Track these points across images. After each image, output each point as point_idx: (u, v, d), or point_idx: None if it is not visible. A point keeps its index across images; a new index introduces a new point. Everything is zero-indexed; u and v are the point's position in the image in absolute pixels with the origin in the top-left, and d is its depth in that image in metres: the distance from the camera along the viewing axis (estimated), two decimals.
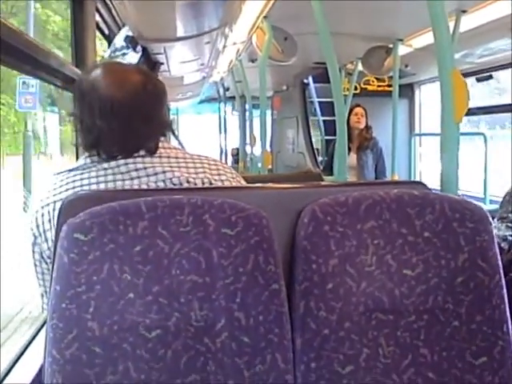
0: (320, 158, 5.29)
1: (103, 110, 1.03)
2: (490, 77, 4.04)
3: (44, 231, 1.04)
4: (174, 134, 1.27)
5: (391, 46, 3.83)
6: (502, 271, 0.95)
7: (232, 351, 0.87)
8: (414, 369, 0.92)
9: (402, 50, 3.81)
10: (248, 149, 6.06)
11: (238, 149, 7.37)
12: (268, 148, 4.67)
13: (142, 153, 1.05)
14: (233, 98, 7.02)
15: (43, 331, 0.98)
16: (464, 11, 2.88)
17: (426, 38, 3.29)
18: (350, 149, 4.07)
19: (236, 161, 7.36)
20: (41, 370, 0.90)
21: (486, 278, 0.94)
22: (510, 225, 1.79)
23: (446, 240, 0.94)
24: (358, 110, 4.19)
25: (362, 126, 4.18)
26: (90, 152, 1.06)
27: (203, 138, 9.12)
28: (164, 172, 1.04)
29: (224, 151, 8.20)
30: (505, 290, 0.95)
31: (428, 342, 0.93)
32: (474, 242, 0.94)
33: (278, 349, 0.88)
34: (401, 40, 3.70)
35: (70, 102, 1.19)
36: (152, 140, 1.06)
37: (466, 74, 4.00)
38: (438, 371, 0.93)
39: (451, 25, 2.79)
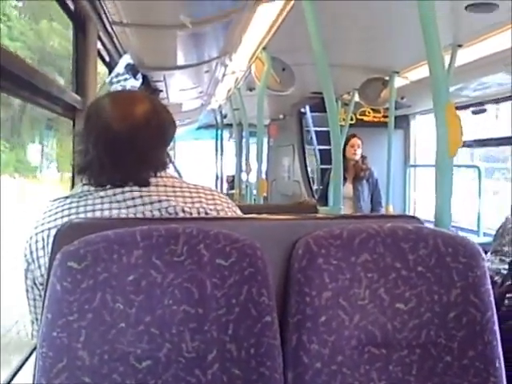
0: (315, 187, 5.31)
1: (98, 140, 1.03)
2: (485, 110, 4.09)
3: (37, 258, 1.04)
4: (170, 160, 1.27)
5: (387, 78, 3.89)
6: (494, 307, 0.96)
7: (223, 383, 0.86)
8: None
9: (399, 82, 3.87)
10: (244, 176, 6.09)
11: (233, 176, 7.39)
12: (263, 176, 4.69)
13: (130, 186, 1.04)
14: (230, 125, 7.08)
15: (32, 358, 0.96)
16: (460, 45, 2.94)
17: (422, 71, 3.35)
18: (345, 179, 4.09)
19: (231, 187, 7.38)
20: None
21: (478, 314, 0.94)
22: (503, 258, 1.80)
23: (438, 275, 0.94)
24: (354, 141, 4.21)
25: (358, 157, 4.22)
26: (81, 175, 1.06)
27: (200, 164, 9.15)
28: (160, 201, 1.05)
29: (220, 178, 8.23)
30: (497, 326, 0.95)
31: (420, 377, 0.92)
32: (467, 277, 0.94)
33: (269, 382, 0.88)
34: (397, 72, 3.76)
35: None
36: (142, 176, 1.05)
37: (461, 107, 4.06)
38: None
39: (447, 58, 2.84)
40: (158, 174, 1.07)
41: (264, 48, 3.13)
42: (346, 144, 4.17)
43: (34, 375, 0.85)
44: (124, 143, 1.02)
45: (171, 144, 1.15)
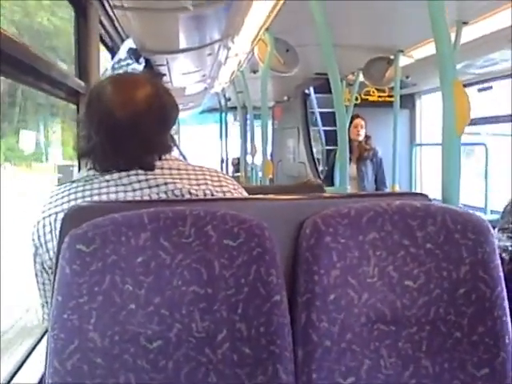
0: (321, 168, 5.31)
1: (100, 125, 1.03)
2: (491, 87, 4.05)
3: (45, 242, 1.04)
4: (175, 143, 1.27)
5: (392, 57, 3.85)
6: (503, 283, 0.95)
7: (233, 362, 0.87)
8: (416, 380, 0.92)
9: (403, 60, 3.83)
10: (249, 158, 6.08)
11: (238, 158, 7.39)
12: (269, 158, 4.69)
13: (133, 171, 1.04)
14: (234, 108, 7.07)
15: (44, 341, 0.97)
16: (465, 23, 2.90)
17: (427, 49, 3.31)
18: (349, 159, 4.07)
19: (237, 170, 7.39)
20: (41, 381, 0.89)
21: (487, 290, 0.94)
22: (511, 235, 1.79)
23: (447, 251, 0.94)
24: (357, 121, 4.19)
25: (362, 137, 4.19)
26: (85, 160, 1.06)
27: (204, 148, 9.15)
28: (166, 184, 1.05)
29: (225, 161, 8.23)
30: (506, 302, 0.95)
31: (430, 354, 0.93)
32: (476, 253, 0.94)
33: (279, 360, 0.88)
34: (402, 51, 3.72)
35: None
36: (147, 161, 1.04)
37: (468, 85, 4.02)
38: (439, 382, 0.92)
39: (452, 36, 2.80)
40: (163, 157, 1.07)
41: (267, 29, 3.10)
42: (349, 125, 4.15)
43: (47, 357, 0.86)
44: (126, 129, 1.02)
45: (175, 128, 1.14)
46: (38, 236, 1.05)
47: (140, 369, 0.85)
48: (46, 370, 0.86)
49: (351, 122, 4.16)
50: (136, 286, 0.86)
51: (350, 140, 4.09)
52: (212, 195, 1.07)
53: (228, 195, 1.09)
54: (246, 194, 1.14)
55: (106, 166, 1.04)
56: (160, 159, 1.06)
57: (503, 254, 1.69)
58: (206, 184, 1.07)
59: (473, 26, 2.93)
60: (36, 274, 1.09)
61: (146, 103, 1.04)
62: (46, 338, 0.89)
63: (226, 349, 0.87)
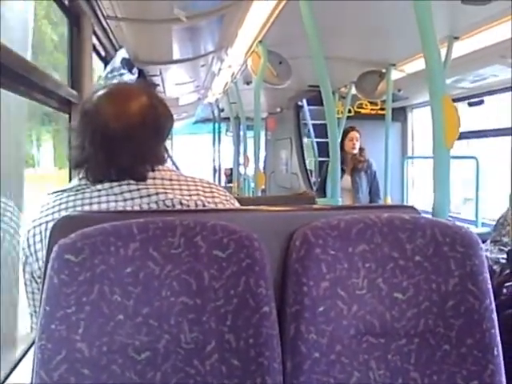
0: (313, 179, 5.32)
1: (94, 136, 1.02)
2: (482, 102, 4.09)
3: (35, 251, 1.04)
4: (167, 154, 1.27)
5: (384, 70, 3.88)
6: (492, 295, 0.96)
7: (222, 374, 0.86)
8: None
9: (395, 74, 3.86)
10: (242, 169, 6.09)
11: (231, 169, 7.40)
12: (261, 169, 4.69)
13: (125, 181, 1.03)
14: (227, 118, 7.08)
15: (31, 351, 0.96)
16: (456, 38, 2.94)
17: (419, 64, 3.35)
18: (343, 171, 4.10)
19: (229, 181, 7.39)
20: None
21: (476, 302, 0.94)
22: (502, 248, 1.80)
23: (436, 264, 0.94)
24: (352, 134, 4.21)
25: (356, 150, 4.22)
26: (77, 170, 1.06)
27: (197, 158, 9.15)
28: (157, 194, 1.04)
29: (218, 171, 8.23)
30: (495, 314, 0.95)
31: (419, 366, 0.93)
32: (465, 266, 0.95)
33: (268, 372, 0.88)
34: (393, 65, 3.76)
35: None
36: (139, 172, 1.04)
37: (458, 99, 4.06)
38: None
39: (443, 51, 2.84)
40: (156, 168, 1.07)
41: (260, 41, 3.12)
42: (344, 137, 4.18)
43: (33, 367, 0.85)
44: (120, 141, 1.02)
45: (169, 138, 1.14)
46: (28, 245, 1.05)
47: (128, 380, 0.84)
48: (32, 380, 0.85)
49: (347, 135, 4.19)
50: (124, 296, 0.85)
51: (345, 152, 4.12)
52: (204, 206, 1.07)
53: (220, 206, 1.09)
54: (238, 205, 1.14)
55: (98, 176, 1.04)
56: (153, 170, 1.06)
57: (494, 267, 1.70)
58: (198, 195, 1.07)
59: (464, 42, 2.96)
60: (25, 284, 1.08)
61: (140, 114, 1.04)
62: (33, 347, 0.88)
63: (214, 360, 0.86)
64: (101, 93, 1.07)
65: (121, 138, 1.02)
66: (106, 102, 1.05)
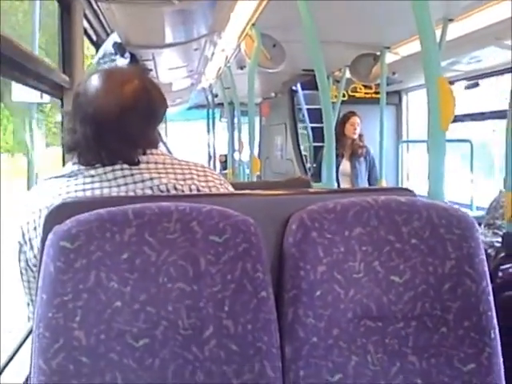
0: (308, 165, 5.31)
1: (84, 118, 1.02)
2: (477, 84, 4.08)
3: (30, 239, 1.03)
4: (161, 140, 1.26)
5: (378, 53, 3.86)
6: (488, 277, 0.96)
7: (220, 359, 0.86)
8: (403, 376, 0.92)
9: (390, 57, 3.84)
10: (236, 155, 6.07)
11: (226, 155, 7.37)
12: (256, 154, 4.68)
13: (118, 165, 1.03)
14: (221, 104, 7.04)
15: (29, 340, 0.96)
16: (451, 20, 2.92)
17: (413, 46, 3.33)
18: (342, 156, 4.10)
19: (224, 167, 7.37)
20: (27, 380, 0.88)
21: (473, 285, 0.94)
22: (496, 231, 1.81)
23: (433, 247, 0.94)
24: (354, 119, 4.19)
25: (357, 135, 4.22)
26: (70, 154, 1.05)
27: (192, 145, 9.11)
28: (151, 179, 1.04)
29: (213, 157, 8.21)
30: (492, 297, 0.95)
31: (416, 349, 0.93)
32: (461, 248, 0.95)
33: (266, 357, 0.88)
34: (388, 48, 3.74)
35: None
36: (131, 155, 1.03)
37: (453, 82, 4.05)
38: (426, 378, 0.93)
39: (438, 33, 2.82)
40: (149, 152, 1.06)
41: (253, 24, 3.09)
42: (345, 122, 4.17)
43: (32, 356, 0.85)
44: (111, 124, 1.01)
45: (163, 124, 1.14)
46: (23, 233, 1.04)
47: (126, 367, 0.84)
48: (31, 369, 0.85)
49: (348, 120, 4.18)
50: (121, 283, 0.85)
51: (346, 137, 4.12)
52: (198, 190, 1.06)
53: (214, 190, 1.08)
54: (232, 190, 1.14)
55: (89, 159, 1.03)
56: (145, 154, 1.05)
57: (489, 250, 1.71)
58: (192, 179, 1.07)
59: (458, 23, 2.94)
60: (21, 273, 1.07)
61: (133, 98, 1.03)
62: (31, 337, 0.87)
63: (212, 346, 0.86)
64: (94, 76, 1.07)
65: (112, 121, 1.01)
66: (99, 85, 1.04)
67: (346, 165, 4.13)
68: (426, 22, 1.41)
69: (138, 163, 1.04)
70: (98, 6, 2.34)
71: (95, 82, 1.05)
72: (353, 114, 4.23)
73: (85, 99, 1.03)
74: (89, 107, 1.02)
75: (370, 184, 4.20)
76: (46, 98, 1.99)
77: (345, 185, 4.02)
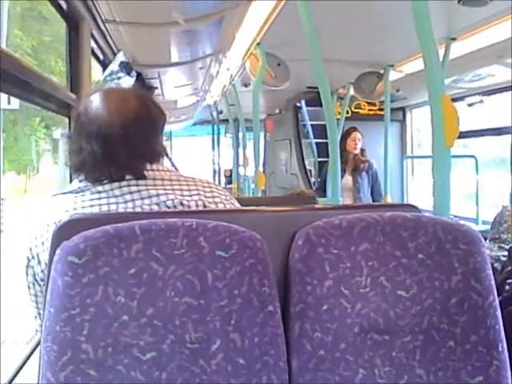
0: (313, 180, 5.32)
1: (90, 134, 1.04)
2: (481, 101, 4.10)
3: (37, 254, 1.04)
4: (167, 155, 1.28)
5: (382, 71, 3.89)
6: (495, 291, 0.96)
7: (227, 373, 0.87)
8: None
9: (393, 75, 3.87)
10: (241, 170, 6.09)
11: (231, 170, 7.40)
12: (261, 170, 4.70)
13: (128, 178, 1.05)
14: (226, 120, 7.08)
15: (37, 353, 0.97)
16: (453, 38, 2.95)
17: (417, 64, 3.35)
18: (345, 171, 4.11)
19: (229, 182, 7.39)
20: None
21: (479, 299, 0.94)
22: (502, 245, 1.81)
23: (439, 262, 0.95)
24: (355, 134, 4.23)
25: (358, 150, 4.24)
26: (77, 174, 1.07)
27: (197, 160, 9.15)
28: (158, 195, 1.05)
29: (217, 172, 8.24)
30: (499, 311, 0.95)
31: (424, 363, 0.93)
32: (467, 263, 0.95)
33: (273, 370, 0.88)
34: (392, 66, 3.76)
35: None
36: (137, 168, 1.06)
37: (457, 99, 4.07)
38: None
39: (441, 51, 2.84)
40: (155, 167, 1.08)
41: (258, 44, 3.13)
42: (346, 137, 4.20)
43: (39, 369, 0.85)
44: (116, 138, 1.03)
45: (168, 140, 1.16)
46: (30, 248, 1.05)
47: (134, 380, 0.84)
48: (38, 381, 0.85)
49: (349, 135, 4.20)
50: (128, 297, 0.85)
51: (347, 152, 4.14)
52: (204, 206, 1.07)
53: (220, 206, 1.09)
54: (238, 205, 1.15)
55: (97, 175, 1.05)
56: (151, 168, 1.07)
57: (495, 264, 1.70)
58: (199, 195, 1.08)
59: (461, 42, 2.97)
60: (28, 287, 1.08)
61: (134, 112, 1.06)
62: (38, 349, 0.88)
63: (219, 359, 0.87)
64: (93, 96, 1.10)
65: (117, 134, 1.03)
66: (101, 102, 1.07)
67: (348, 179, 4.15)
68: (429, 40, 1.43)
69: (145, 178, 1.05)
70: (106, 27, 2.38)
71: (96, 101, 1.08)
72: (354, 129, 4.25)
73: (87, 118, 1.06)
74: (93, 125, 1.04)
75: (373, 198, 4.20)
76: (16, 103, 1.75)
77: (347, 199, 4.03)
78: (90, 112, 1.06)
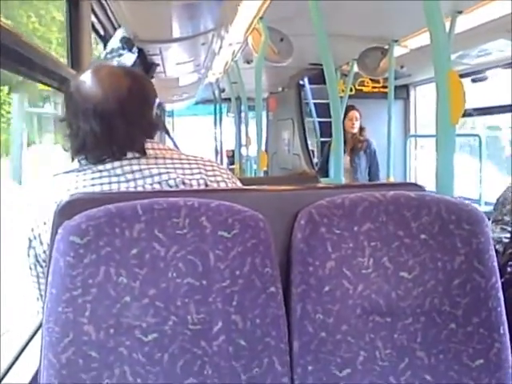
0: (315, 160, 5.30)
1: (86, 113, 1.03)
2: (485, 78, 4.05)
3: (39, 234, 1.03)
4: (168, 134, 1.27)
5: (387, 47, 3.83)
6: (498, 273, 0.96)
7: (229, 354, 0.87)
8: (411, 371, 0.92)
9: (398, 51, 3.81)
10: (244, 150, 6.07)
11: (233, 150, 7.38)
12: (263, 149, 4.68)
13: (129, 156, 1.05)
14: (228, 99, 7.03)
15: (39, 334, 0.97)
16: (460, 12, 2.89)
17: (422, 39, 3.30)
18: (344, 151, 4.08)
19: (231, 162, 7.37)
20: (37, 374, 0.89)
21: (482, 281, 0.94)
22: (504, 227, 1.80)
23: (442, 242, 0.94)
24: (352, 113, 4.20)
25: (356, 130, 4.21)
26: (78, 157, 1.06)
27: (199, 140, 9.12)
28: (160, 174, 1.04)
29: (220, 152, 8.21)
30: (501, 293, 0.95)
31: (425, 345, 0.93)
32: (471, 243, 0.94)
33: (274, 352, 0.88)
34: (396, 41, 3.71)
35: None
36: (138, 142, 1.06)
37: (462, 75, 4.01)
38: (434, 374, 0.93)
39: (447, 25, 2.79)
40: (156, 146, 1.07)
41: (261, 18, 3.08)
42: (344, 116, 4.15)
43: (41, 350, 0.85)
44: (111, 112, 1.04)
45: (170, 117, 1.17)
46: (32, 228, 1.04)
47: (135, 361, 0.85)
48: (40, 363, 0.86)
49: (346, 114, 4.16)
50: (130, 278, 0.85)
51: (345, 131, 4.10)
52: (206, 185, 1.06)
53: (222, 185, 1.09)
54: (240, 184, 1.14)
55: (98, 153, 1.04)
56: (150, 137, 1.08)
57: (497, 246, 1.70)
58: (200, 173, 1.07)
59: (468, 16, 2.91)
60: (30, 268, 1.08)
61: (127, 86, 1.07)
62: (40, 331, 0.88)
63: (221, 341, 0.87)
64: (83, 75, 1.09)
65: (113, 110, 1.04)
66: (92, 81, 1.07)
67: (345, 159, 4.12)
68: (435, 13, 1.40)
69: (146, 155, 1.05)
70: (106, 1, 2.34)
71: (88, 79, 1.07)
72: (351, 108, 4.22)
73: (81, 97, 1.06)
74: (87, 103, 1.04)
75: (370, 178, 4.19)
76: None
77: (345, 180, 4.02)
78: (82, 91, 1.06)
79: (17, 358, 1.42)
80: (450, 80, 1.37)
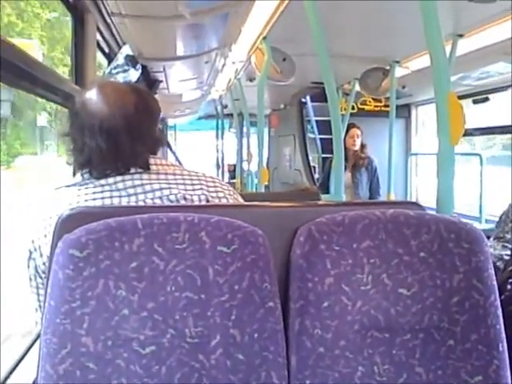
0: (316, 176, 5.32)
1: (92, 129, 1.05)
2: (487, 99, 4.08)
3: (39, 246, 1.04)
4: (171, 149, 1.30)
5: (388, 67, 3.87)
6: (497, 291, 0.96)
7: (226, 368, 0.87)
8: None
9: (399, 71, 3.85)
10: (245, 165, 6.09)
11: (234, 165, 7.40)
12: (265, 165, 4.69)
13: (132, 171, 1.06)
14: (231, 115, 7.07)
15: (37, 345, 0.97)
16: (460, 35, 2.93)
17: (423, 61, 3.34)
18: (345, 167, 4.10)
19: (233, 177, 7.40)
20: None
21: (481, 298, 0.94)
22: (506, 244, 1.80)
23: (441, 260, 0.94)
24: (353, 131, 4.23)
25: (357, 147, 4.25)
26: (82, 170, 1.07)
27: (201, 154, 9.16)
28: (161, 189, 1.05)
29: (221, 167, 8.25)
30: (500, 310, 0.95)
31: (423, 361, 0.93)
32: (470, 262, 0.95)
33: (272, 366, 0.88)
34: (398, 62, 3.75)
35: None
36: (142, 158, 1.07)
37: (464, 96, 4.05)
38: None
39: (448, 48, 2.83)
40: (159, 162, 1.08)
41: (264, 38, 3.11)
42: (345, 134, 4.18)
43: (39, 361, 0.85)
44: (117, 128, 1.05)
45: (172, 132, 1.18)
46: (33, 240, 1.05)
47: (133, 374, 0.85)
48: (38, 374, 0.86)
49: (347, 132, 4.19)
50: (129, 291, 0.85)
51: (346, 149, 4.13)
52: (207, 200, 1.07)
53: (223, 201, 1.09)
54: (241, 201, 1.15)
55: (103, 169, 1.05)
56: (153, 153, 1.09)
57: (498, 263, 1.70)
58: (202, 189, 1.08)
59: (469, 39, 2.95)
60: (30, 279, 1.09)
61: (132, 103, 1.08)
62: (38, 341, 0.88)
63: (219, 354, 0.87)
64: (89, 91, 1.11)
65: (119, 126, 1.05)
66: (98, 98, 1.08)
67: (347, 176, 4.15)
68: (436, 36, 1.42)
69: (149, 171, 1.06)
70: (112, 20, 2.38)
71: (93, 96, 1.09)
72: (352, 125, 4.26)
73: (87, 114, 1.07)
74: (94, 120, 1.05)
75: (370, 194, 4.21)
76: None
77: (346, 196, 4.04)
78: (88, 107, 1.07)
79: (14, 369, 1.42)
80: (449, 101, 1.39)
